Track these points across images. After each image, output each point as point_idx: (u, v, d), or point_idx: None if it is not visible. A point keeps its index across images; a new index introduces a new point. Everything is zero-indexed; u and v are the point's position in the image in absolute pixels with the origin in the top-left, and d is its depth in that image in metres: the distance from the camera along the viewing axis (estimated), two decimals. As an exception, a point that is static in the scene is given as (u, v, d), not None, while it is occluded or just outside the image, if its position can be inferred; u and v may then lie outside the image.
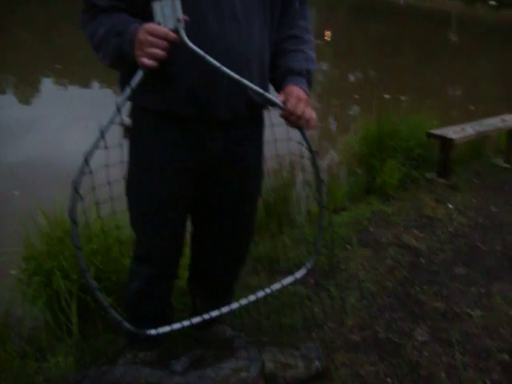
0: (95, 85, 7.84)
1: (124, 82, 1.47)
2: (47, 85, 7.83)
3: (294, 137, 1.69)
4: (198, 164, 1.63)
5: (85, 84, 7.95)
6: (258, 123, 1.73)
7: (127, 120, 1.61)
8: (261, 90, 1.48)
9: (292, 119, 1.51)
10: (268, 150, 1.82)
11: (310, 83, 1.64)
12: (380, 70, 10.60)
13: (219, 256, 1.91)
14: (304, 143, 1.61)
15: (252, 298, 1.77)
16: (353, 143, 4.00)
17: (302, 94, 1.54)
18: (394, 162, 3.80)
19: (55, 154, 4.68)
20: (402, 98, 7.31)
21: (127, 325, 1.57)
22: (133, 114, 1.60)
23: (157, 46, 1.34)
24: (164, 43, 1.35)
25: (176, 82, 1.48)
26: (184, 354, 1.88)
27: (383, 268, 2.82)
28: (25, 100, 7.01)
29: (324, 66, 10.27)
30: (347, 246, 3.05)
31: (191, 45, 1.37)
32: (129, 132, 1.61)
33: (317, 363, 1.96)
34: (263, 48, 1.59)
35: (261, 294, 1.77)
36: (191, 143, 1.58)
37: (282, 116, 1.52)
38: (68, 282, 2.20)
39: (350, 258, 2.90)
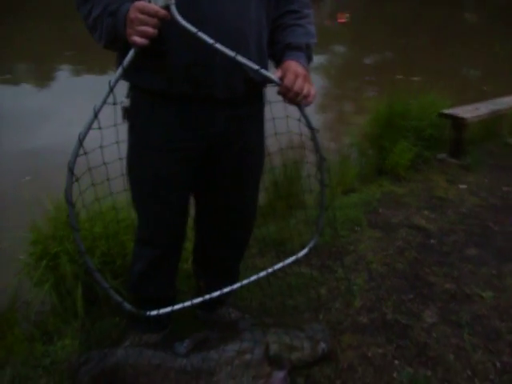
0: (111, 73, 7.84)
1: (120, 63, 1.45)
2: (63, 73, 7.85)
3: (292, 114, 1.65)
4: (196, 143, 1.60)
5: (101, 72, 7.95)
6: (258, 101, 1.70)
7: (126, 101, 1.60)
8: (256, 67, 1.42)
9: (290, 96, 1.47)
10: (269, 129, 1.79)
11: (309, 58, 1.60)
12: (394, 51, 10.48)
13: (221, 237, 1.90)
14: (303, 120, 1.57)
15: (253, 277, 1.76)
16: (364, 124, 3.95)
17: (300, 69, 1.50)
18: (405, 142, 3.74)
19: (68, 141, 4.68)
20: (415, 78, 7.19)
21: (128, 306, 1.57)
22: (130, 94, 1.58)
23: (147, 24, 1.32)
24: (154, 21, 1.32)
25: (170, 60, 1.45)
26: (188, 336, 1.87)
27: (393, 249, 2.78)
28: (40, 89, 7.03)
29: (339, 48, 10.15)
30: (356, 227, 3.02)
31: (183, 22, 1.34)
32: (127, 113, 1.60)
33: (323, 345, 1.94)
34: (260, 24, 1.55)
35: (263, 273, 1.76)
36: (188, 122, 1.56)
37: (280, 92, 1.48)
38: (74, 266, 2.21)
39: (358, 240, 2.87)
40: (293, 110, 1.61)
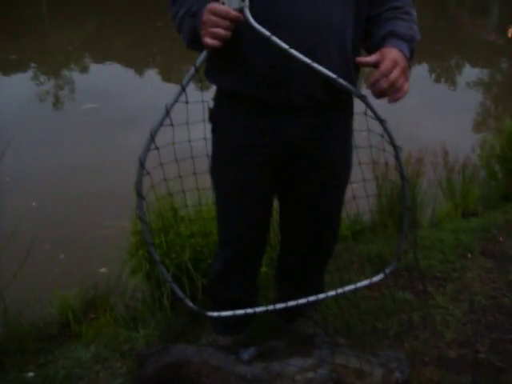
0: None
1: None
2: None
3: (374, 128, 1.56)
4: (273, 151, 1.58)
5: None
6: (342, 109, 1.62)
7: (211, 102, 1.63)
8: (333, 75, 1.35)
9: (381, 85, 1.32)
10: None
11: (412, 52, 1.44)
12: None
13: (301, 248, 1.86)
14: (386, 136, 1.47)
15: (321, 296, 1.71)
16: (494, 144, 3.66)
17: (400, 58, 1.36)
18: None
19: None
20: None
21: (189, 303, 1.59)
22: (215, 96, 1.62)
23: (218, 26, 1.32)
24: (226, 22, 1.32)
25: (247, 63, 1.45)
26: (256, 343, 1.86)
27: (503, 282, 2.55)
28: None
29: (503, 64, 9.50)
30: (468, 254, 2.81)
31: (256, 25, 1.32)
32: (211, 114, 1.63)
33: (397, 374, 1.83)
34: (345, 29, 1.46)
35: (331, 293, 1.70)
36: (265, 127, 1.54)
37: (371, 82, 1.34)
38: (167, 259, 2.29)
39: (467, 268, 2.67)
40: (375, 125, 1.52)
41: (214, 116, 1.64)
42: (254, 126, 1.55)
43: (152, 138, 1.39)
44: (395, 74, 1.33)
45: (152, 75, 8.13)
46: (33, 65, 8.24)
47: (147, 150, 1.40)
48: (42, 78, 7.75)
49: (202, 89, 1.50)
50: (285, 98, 1.48)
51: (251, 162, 1.61)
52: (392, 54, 1.35)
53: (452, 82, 8.21)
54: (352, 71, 1.52)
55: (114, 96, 6.52)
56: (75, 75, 8.07)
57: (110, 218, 2.61)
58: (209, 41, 1.34)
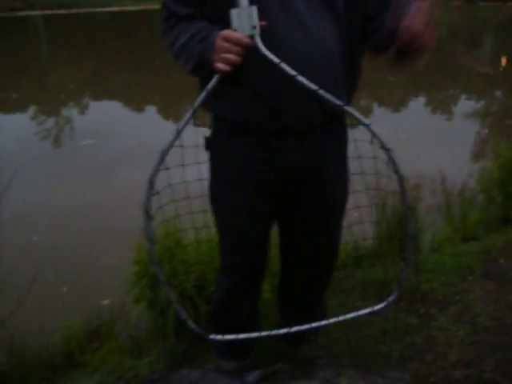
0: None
1: (203, 88, 1.52)
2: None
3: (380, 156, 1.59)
4: (271, 176, 1.61)
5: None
6: (338, 133, 1.67)
7: (207, 131, 1.67)
8: (339, 103, 1.40)
9: (415, 30, 1.30)
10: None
11: None
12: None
13: (301, 272, 1.88)
14: (391, 165, 1.46)
15: (323, 322, 1.72)
16: (491, 168, 3.70)
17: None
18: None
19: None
20: None
21: (192, 324, 1.60)
22: (211, 124, 1.65)
23: (230, 52, 1.37)
24: (237, 49, 1.37)
25: (247, 89, 1.49)
26: (260, 367, 1.86)
27: (505, 303, 2.55)
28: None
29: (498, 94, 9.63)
30: (469, 276, 2.82)
31: (266, 52, 1.38)
32: (207, 143, 1.67)
33: (403, 395, 1.83)
34: (333, 53, 1.50)
35: (333, 320, 1.71)
36: (263, 154, 1.58)
37: (404, 26, 1.31)
38: (170, 287, 2.30)
39: (468, 290, 2.67)
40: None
41: (211, 144, 1.67)
42: (251, 152, 1.59)
43: (162, 158, 1.43)
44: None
45: (151, 112, 8.25)
46: (33, 103, 8.37)
47: (157, 170, 1.44)
48: (42, 117, 7.87)
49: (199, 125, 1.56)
50: (282, 123, 1.52)
51: (248, 189, 1.64)
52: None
53: (448, 113, 8.33)
54: (343, 94, 1.56)
55: (113, 133, 6.62)
56: (74, 113, 8.19)
57: (111, 251, 2.63)
58: (221, 66, 1.39)
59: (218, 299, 1.91)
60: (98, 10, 26.66)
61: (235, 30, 1.38)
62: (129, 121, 7.65)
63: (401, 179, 1.50)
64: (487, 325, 2.37)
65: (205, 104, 1.59)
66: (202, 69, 1.49)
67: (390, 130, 6.10)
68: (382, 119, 7.11)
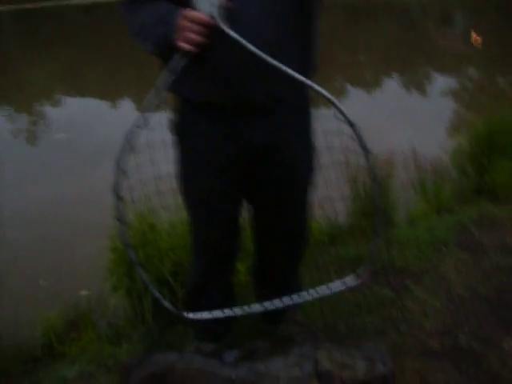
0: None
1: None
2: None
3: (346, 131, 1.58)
4: (237, 155, 1.61)
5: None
6: (302, 110, 1.68)
7: (172, 114, 1.67)
8: (302, 78, 1.40)
9: None
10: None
11: None
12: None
13: (272, 250, 1.89)
14: (357, 141, 1.46)
15: (296, 298, 1.72)
16: (463, 142, 3.75)
17: None
18: (508, 161, 3.49)
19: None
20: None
21: (166, 303, 1.61)
22: (177, 107, 1.65)
23: (192, 31, 1.37)
24: (199, 28, 1.37)
25: (209, 68, 1.49)
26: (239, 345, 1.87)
27: (479, 272, 2.59)
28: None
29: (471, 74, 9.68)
30: (443, 248, 2.86)
31: (228, 30, 1.38)
32: (173, 126, 1.66)
33: (380, 366, 1.85)
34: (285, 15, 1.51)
35: (307, 297, 1.71)
36: (228, 132, 1.58)
37: None
38: (146, 274, 2.30)
39: (443, 261, 2.71)
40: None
41: (177, 127, 1.67)
42: (216, 131, 1.59)
43: (127, 141, 1.42)
44: None
45: (124, 105, 8.19)
46: (4, 100, 8.27)
47: (123, 152, 1.44)
48: (15, 114, 7.79)
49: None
50: (245, 99, 1.52)
51: (215, 169, 1.64)
52: None
53: (422, 91, 8.38)
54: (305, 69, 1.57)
55: (87, 126, 6.57)
56: (47, 108, 8.10)
57: (88, 243, 2.62)
58: (183, 45, 1.39)
59: (191, 282, 1.91)
60: (65, 2, 26.30)
61: (198, 10, 1.38)
62: (103, 114, 7.59)
63: (366, 153, 1.51)
64: (462, 294, 2.42)
65: (169, 87, 1.59)
66: (166, 50, 1.48)
67: (364, 109, 6.16)
68: (355, 99, 7.14)
